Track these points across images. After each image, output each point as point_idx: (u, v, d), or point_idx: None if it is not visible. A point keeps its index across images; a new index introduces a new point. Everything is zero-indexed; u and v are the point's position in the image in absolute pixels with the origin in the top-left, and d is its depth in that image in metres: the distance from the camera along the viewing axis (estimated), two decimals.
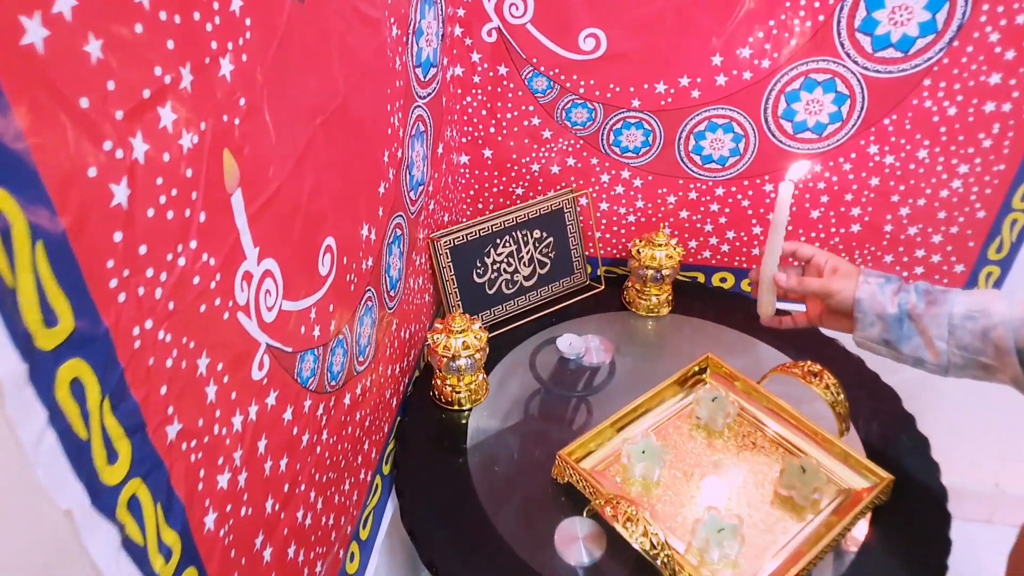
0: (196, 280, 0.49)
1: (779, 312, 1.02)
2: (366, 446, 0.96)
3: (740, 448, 1.07)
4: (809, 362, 1.08)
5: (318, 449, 0.77)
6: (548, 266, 1.36)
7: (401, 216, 0.99)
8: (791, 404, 1.08)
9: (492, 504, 1.00)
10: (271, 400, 0.63)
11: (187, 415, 0.49)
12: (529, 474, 1.04)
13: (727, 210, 1.35)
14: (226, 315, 0.53)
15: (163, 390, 0.46)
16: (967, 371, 0.82)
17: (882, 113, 1.14)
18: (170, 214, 0.45)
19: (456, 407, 1.14)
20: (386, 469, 1.07)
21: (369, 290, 0.88)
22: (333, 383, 0.79)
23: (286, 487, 0.69)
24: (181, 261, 0.46)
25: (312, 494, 0.77)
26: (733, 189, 1.32)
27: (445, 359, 1.09)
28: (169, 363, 0.46)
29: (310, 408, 0.72)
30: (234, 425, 0.57)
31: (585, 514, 0.96)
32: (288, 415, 0.67)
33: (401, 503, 1.02)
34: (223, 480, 0.56)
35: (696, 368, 1.17)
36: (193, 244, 0.48)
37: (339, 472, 0.85)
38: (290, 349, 0.66)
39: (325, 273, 0.72)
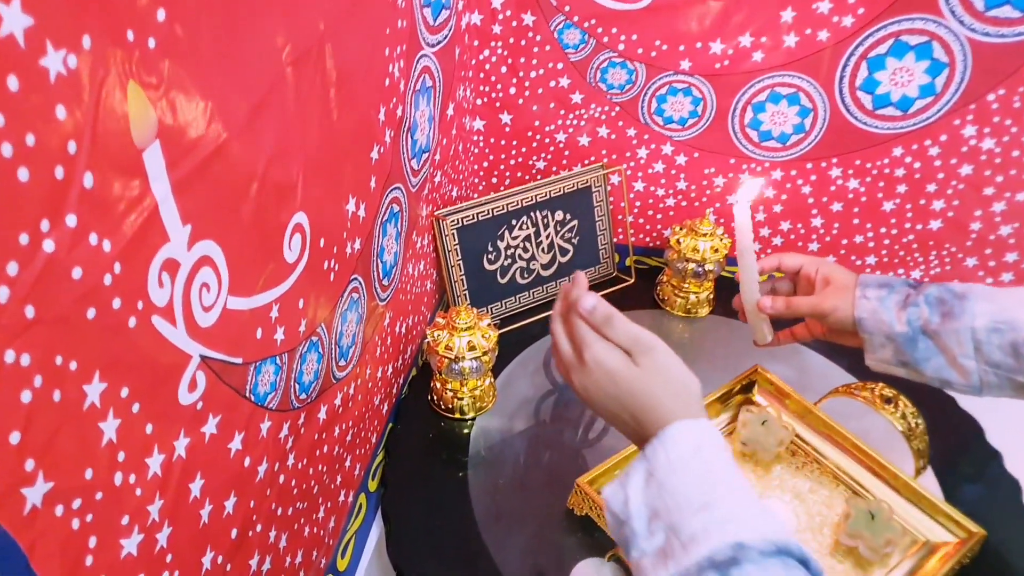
0: (77, 273, 0.34)
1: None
2: (347, 463, 0.82)
3: (794, 482, 0.93)
4: (881, 384, 0.93)
5: (281, 479, 0.63)
6: (570, 253, 1.21)
7: (399, 189, 0.84)
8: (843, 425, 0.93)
9: (495, 537, 0.86)
10: (210, 428, 0.49)
11: (62, 468, 0.35)
12: (540, 501, 0.90)
13: (784, 197, 1.19)
14: (132, 321, 0.39)
15: (15, 438, 0.32)
16: (1004, 391, 0.71)
17: (987, 87, 0.97)
18: (23, 174, 0.30)
19: (457, 415, 1.00)
20: (372, 485, 0.93)
21: (355, 279, 0.73)
22: (303, 396, 0.65)
23: (234, 533, 0.55)
24: (47, 245, 0.32)
25: (272, 534, 0.63)
26: (793, 173, 1.16)
27: (447, 360, 0.95)
28: (27, 397, 0.32)
29: (269, 431, 0.58)
30: (149, 469, 0.43)
31: (608, 559, 0.82)
32: (236, 444, 0.53)
33: (388, 531, 0.88)
34: (131, 544, 0.42)
35: (741, 383, 1.02)
36: (70, 220, 0.33)
37: (310, 500, 0.71)
38: (239, 360, 0.52)
39: (293, 260, 0.58)
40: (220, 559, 0.53)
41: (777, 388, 1.02)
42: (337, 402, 0.74)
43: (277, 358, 0.58)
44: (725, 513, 0.48)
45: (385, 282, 0.84)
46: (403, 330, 0.97)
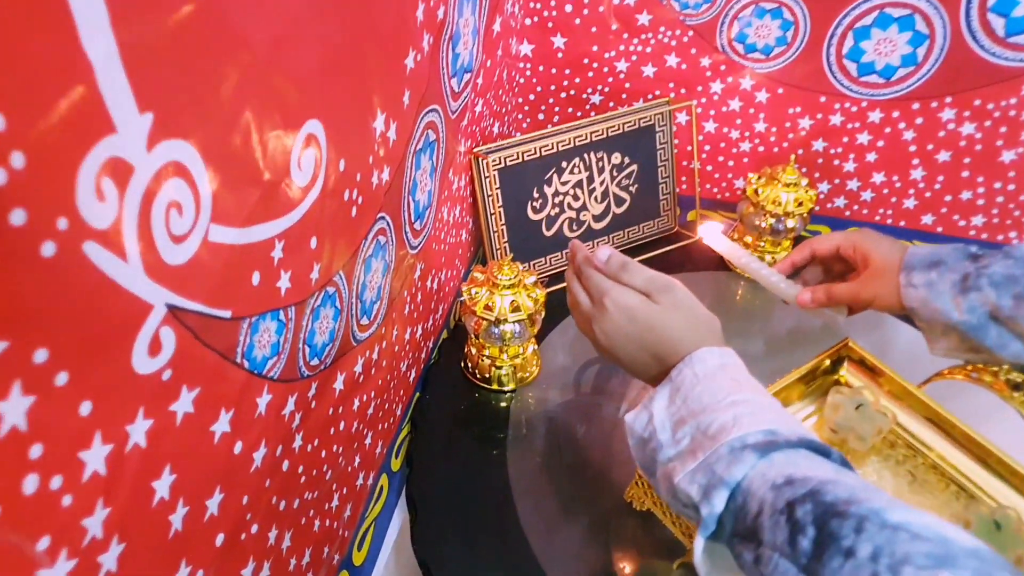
0: None
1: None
2: (368, 441, 0.69)
3: (895, 480, 0.79)
4: (1007, 367, 0.79)
5: (285, 466, 0.50)
6: (627, 204, 1.06)
7: (436, 112, 0.70)
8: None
9: (539, 533, 0.74)
10: (183, 405, 0.36)
11: None
12: (592, 492, 0.77)
13: (880, 143, 1.03)
14: (49, 248, 0.25)
15: None
16: None
17: None
18: None
19: (495, 386, 0.87)
20: (395, 464, 0.81)
21: (382, 219, 0.60)
22: (315, 362, 0.52)
23: (219, 539, 0.43)
24: None
25: (272, 533, 0.50)
26: (895, 114, 1.00)
27: (485, 322, 0.81)
28: None
29: (269, 408, 0.46)
30: (85, 467, 0.30)
31: (676, 567, 0.69)
32: (222, 425, 0.40)
33: (412, 519, 0.76)
34: (57, 572, 0.29)
35: (828, 359, 0.88)
36: None
37: (322, 489, 0.59)
38: (227, 313, 0.38)
39: (304, 182, 0.44)
40: (200, 574, 0.41)
41: (871, 366, 0.88)
42: (357, 369, 0.61)
43: (281, 312, 0.45)
44: (755, 408, 0.48)
45: (417, 226, 0.71)
46: (435, 285, 0.83)
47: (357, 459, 0.67)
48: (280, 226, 0.42)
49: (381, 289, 0.63)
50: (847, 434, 0.82)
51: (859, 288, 0.72)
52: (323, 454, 0.57)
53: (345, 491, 0.65)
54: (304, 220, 0.45)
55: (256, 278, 0.41)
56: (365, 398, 0.65)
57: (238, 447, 0.43)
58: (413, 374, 0.82)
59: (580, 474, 0.80)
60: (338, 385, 0.57)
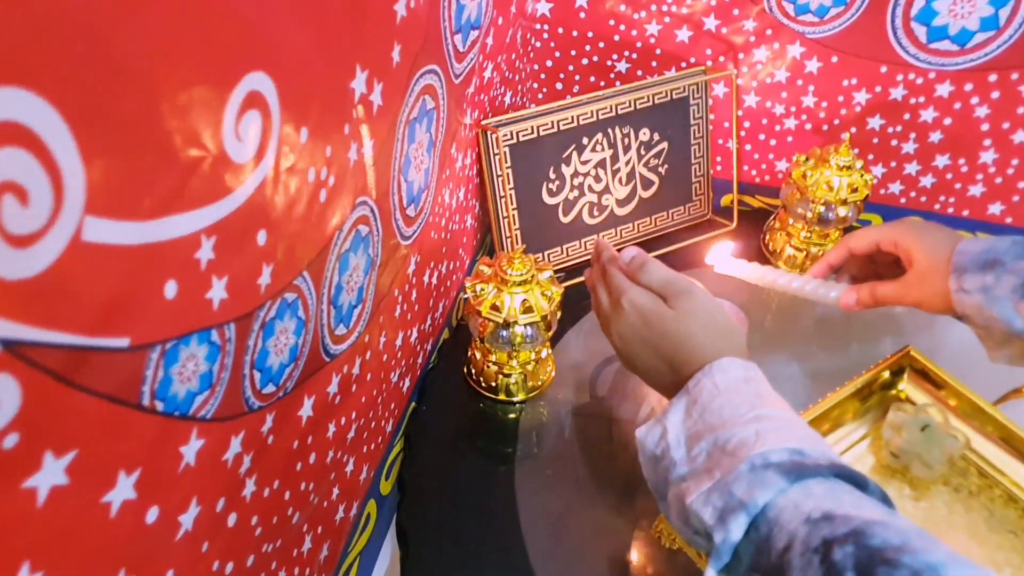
0: None
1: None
2: (349, 468, 0.58)
3: (967, 516, 0.68)
4: None
5: (232, 520, 0.40)
6: (655, 186, 0.94)
7: (436, 74, 0.58)
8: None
9: (551, 571, 0.63)
10: (48, 478, 0.25)
11: None
12: (615, 523, 0.67)
13: (947, 121, 0.90)
14: None
15: None
16: None
17: None
18: None
19: (502, 396, 0.76)
20: (385, 487, 0.70)
21: (364, 203, 0.48)
22: (269, 389, 0.41)
23: None
24: None
25: None
26: (968, 87, 0.87)
27: (492, 324, 0.70)
28: None
29: (202, 455, 0.35)
30: None
31: None
32: (123, 492, 0.29)
33: (403, 555, 0.66)
34: None
35: (887, 370, 0.76)
36: None
37: (288, 535, 0.48)
38: (122, 342, 0.27)
39: (245, 158, 0.33)
40: None
41: (936, 378, 0.76)
42: (332, 389, 0.50)
43: (213, 332, 0.33)
44: (781, 424, 0.44)
45: (411, 212, 0.59)
46: (434, 280, 0.72)
47: (335, 491, 0.56)
48: (208, 217, 0.31)
49: (363, 290, 0.52)
50: (911, 460, 0.70)
51: (904, 291, 0.65)
52: (287, 496, 0.46)
53: (320, 530, 0.55)
54: (246, 208, 0.33)
55: (171, 289, 0.30)
56: (344, 421, 0.54)
57: (152, 514, 0.32)
58: (407, 383, 0.71)
59: (600, 501, 0.69)
60: (305, 412, 0.46)
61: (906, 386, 0.77)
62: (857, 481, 0.42)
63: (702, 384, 0.48)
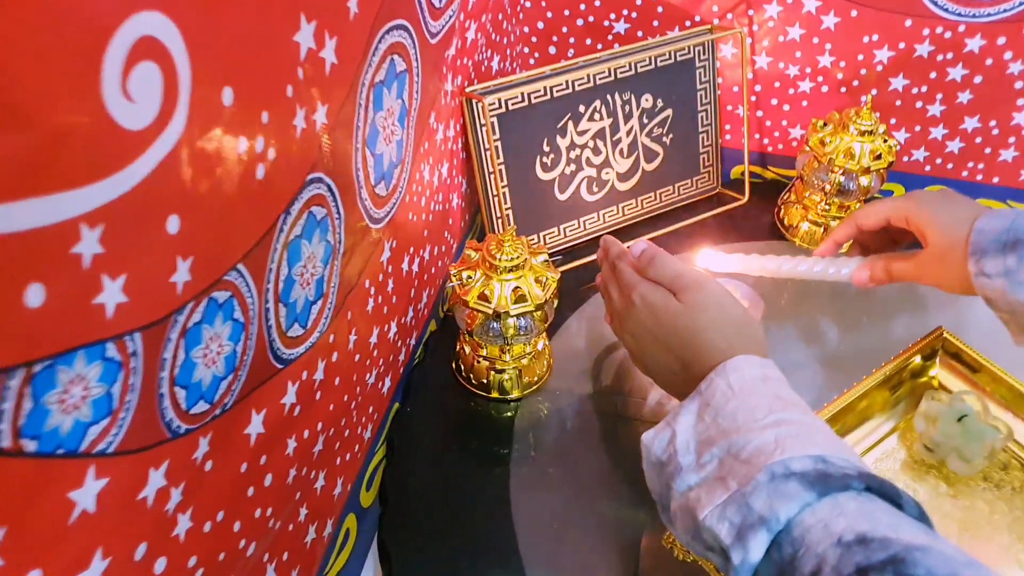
0: None
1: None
2: (320, 484, 0.52)
3: (1011, 516, 0.61)
4: None
5: (161, 566, 0.33)
6: (659, 159, 0.87)
7: (406, 31, 0.50)
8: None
9: None
10: None
11: None
12: (622, 533, 0.60)
13: (978, 79, 0.83)
14: None
15: None
16: None
17: None
18: None
19: (495, 394, 0.70)
20: (366, 499, 0.63)
21: (318, 181, 0.41)
22: (200, 408, 0.34)
23: None
24: None
25: None
26: (1001, 41, 0.80)
27: (480, 315, 0.63)
28: None
29: (105, 498, 0.28)
30: None
31: None
32: None
33: (386, 574, 0.59)
34: None
35: (919, 354, 0.69)
36: None
37: (242, 569, 0.41)
38: None
39: (141, 123, 0.26)
40: None
41: (972, 362, 0.69)
42: (289, 399, 0.43)
43: (110, 345, 0.26)
44: (802, 429, 0.41)
45: (381, 190, 0.52)
46: (414, 267, 0.65)
47: (303, 512, 0.50)
48: (88, 200, 0.24)
49: (323, 282, 0.45)
50: (947, 454, 0.64)
51: (920, 270, 0.61)
52: (236, 527, 0.40)
53: (286, 557, 0.48)
54: (146, 188, 0.26)
55: (35, 295, 0.23)
56: (308, 434, 0.47)
57: None
58: (387, 383, 0.64)
59: (606, 508, 0.62)
60: (254, 429, 0.39)
61: (939, 371, 0.71)
62: (890, 495, 0.38)
63: (715, 385, 0.45)
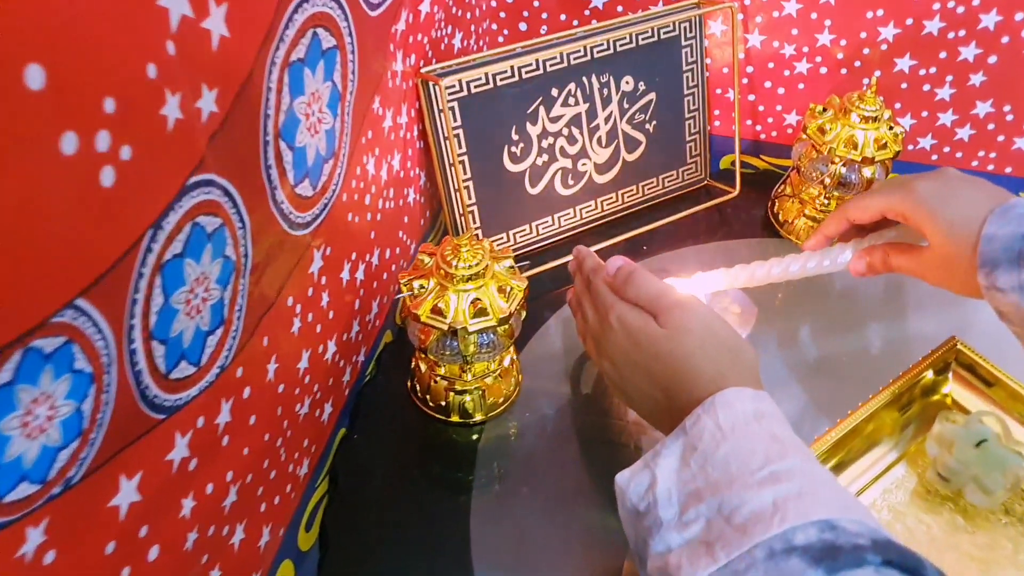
0: None
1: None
2: (237, 539, 0.44)
3: None
4: None
5: None
6: (642, 147, 0.79)
7: None
8: None
9: None
10: None
11: None
12: (598, 567, 0.53)
13: (992, 59, 0.75)
14: None
15: None
16: None
17: None
18: None
19: (455, 418, 0.62)
20: (305, 542, 0.55)
21: (205, 184, 0.33)
22: (24, 493, 0.26)
23: None
24: None
25: None
26: (1019, 17, 0.73)
27: (436, 332, 0.55)
28: None
29: None
30: None
31: None
32: None
33: None
34: None
35: (930, 369, 0.62)
36: None
37: None
38: None
39: None
40: None
41: (988, 376, 0.62)
42: (178, 455, 0.35)
43: None
44: (804, 484, 0.36)
45: (305, 189, 0.44)
46: (359, 275, 0.57)
47: (216, 572, 0.42)
48: None
49: (223, 306, 0.36)
50: (964, 484, 0.57)
51: (922, 269, 0.55)
52: None
53: None
54: None
55: None
56: (212, 488, 0.39)
57: None
58: (328, 409, 0.56)
59: (581, 539, 0.55)
60: (124, 499, 0.31)
61: (953, 387, 0.64)
62: (912, 567, 0.32)
63: (702, 423, 0.40)
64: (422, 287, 0.55)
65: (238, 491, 0.42)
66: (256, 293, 0.40)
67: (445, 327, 0.54)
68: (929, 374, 0.61)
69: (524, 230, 0.76)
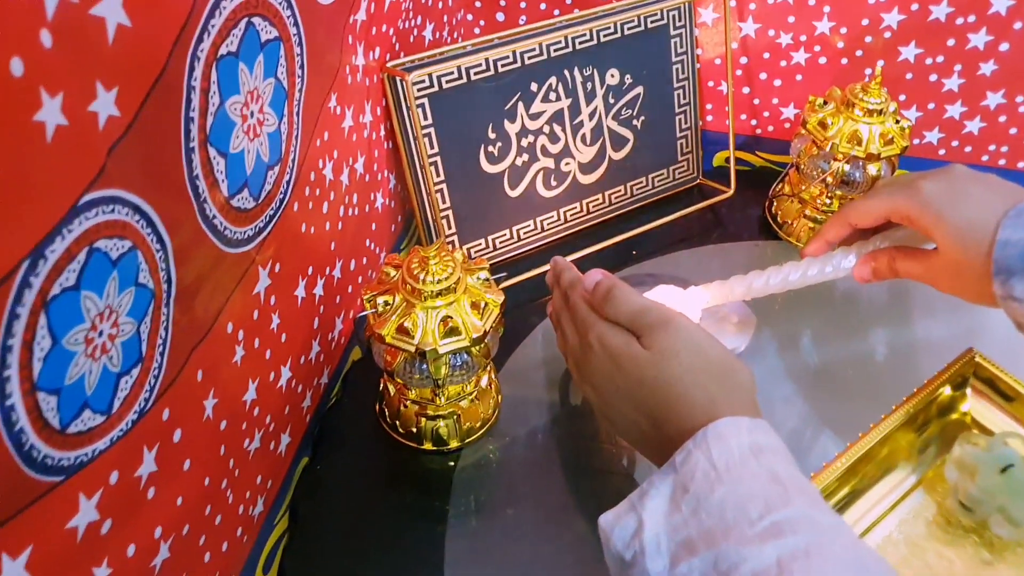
0: None
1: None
2: None
3: None
4: None
5: None
6: (628, 145, 0.75)
7: None
8: None
9: None
10: None
11: None
12: None
13: (1003, 46, 0.71)
14: None
15: None
16: None
17: None
18: None
19: (428, 445, 0.57)
20: None
21: (107, 202, 0.28)
22: None
23: None
24: None
25: None
26: None
27: (405, 354, 0.50)
28: None
29: None
30: None
31: None
32: None
33: None
34: None
35: (948, 384, 0.58)
36: None
37: None
38: None
39: None
40: None
41: (1009, 390, 0.58)
42: (82, 520, 0.30)
43: None
44: (811, 538, 0.32)
45: (244, 200, 0.39)
46: (318, 291, 0.52)
47: None
48: None
49: (139, 343, 0.31)
50: (989, 514, 0.52)
51: (932, 276, 0.51)
52: None
53: None
54: None
55: None
56: (134, 550, 0.34)
57: None
58: (285, 440, 0.51)
59: (567, 569, 0.51)
60: None
61: (972, 405, 0.59)
62: None
63: (694, 460, 0.36)
64: (387, 304, 0.50)
65: (171, 547, 0.37)
66: (184, 322, 0.35)
67: (412, 348, 0.49)
68: (946, 390, 0.57)
69: (504, 235, 0.71)
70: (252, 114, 0.38)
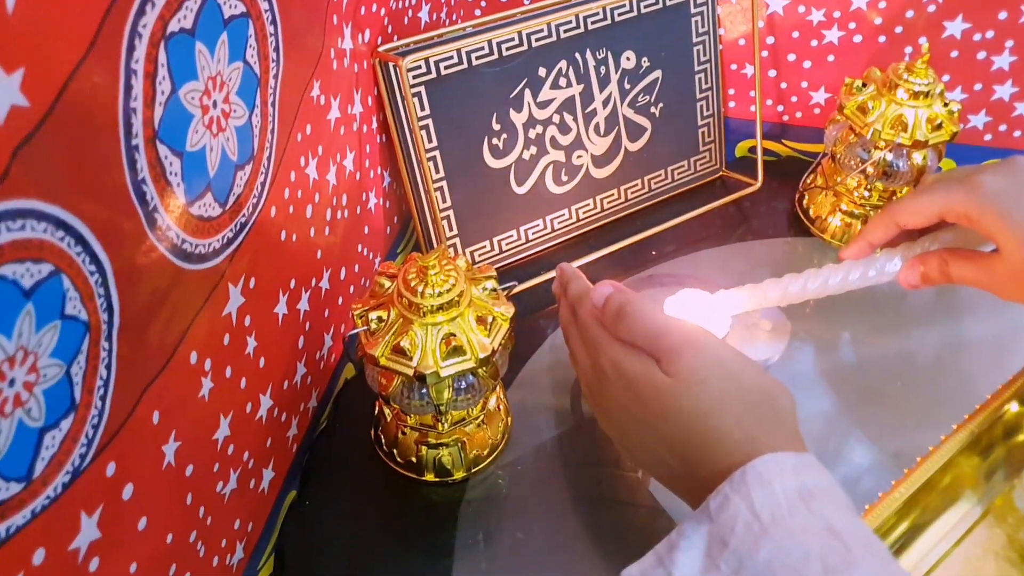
0: None
1: None
2: None
3: None
4: None
5: None
6: (646, 135, 0.69)
7: None
8: None
9: None
10: None
11: None
12: None
13: None
14: None
15: None
16: None
17: None
18: None
19: (431, 476, 0.51)
20: None
21: (18, 217, 0.22)
22: None
23: None
24: None
25: None
26: None
27: (402, 377, 0.45)
28: None
29: None
30: None
31: None
32: None
33: None
34: None
35: (1013, 400, 0.52)
36: None
37: None
38: None
39: None
40: None
41: None
42: None
43: None
44: None
45: (207, 208, 0.33)
46: (302, 306, 0.46)
47: None
48: None
49: (70, 387, 0.26)
50: None
51: (990, 280, 0.47)
52: None
53: None
54: None
55: None
56: None
57: None
58: (268, 476, 0.45)
59: None
60: None
61: None
62: None
63: (732, 507, 0.32)
64: (380, 320, 0.44)
65: None
66: (133, 357, 0.29)
67: (411, 372, 0.43)
68: (1012, 406, 0.51)
69: (510, 237, 0.65)
70: (215, 104, 0.32)
